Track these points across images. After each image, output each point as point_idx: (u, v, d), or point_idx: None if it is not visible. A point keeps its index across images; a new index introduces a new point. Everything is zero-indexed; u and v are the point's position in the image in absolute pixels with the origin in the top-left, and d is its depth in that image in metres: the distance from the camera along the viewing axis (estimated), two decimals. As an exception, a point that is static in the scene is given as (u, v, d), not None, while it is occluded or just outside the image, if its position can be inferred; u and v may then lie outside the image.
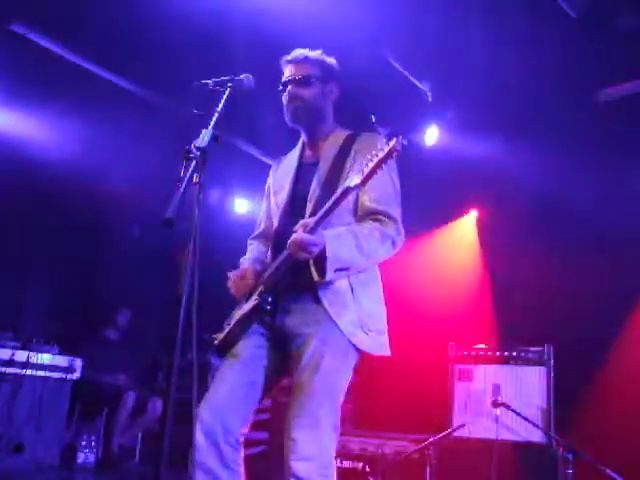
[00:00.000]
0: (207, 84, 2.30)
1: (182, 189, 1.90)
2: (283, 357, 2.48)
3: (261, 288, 2.48)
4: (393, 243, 2.45)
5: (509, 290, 5.72)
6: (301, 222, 2.31)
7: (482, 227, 6.55)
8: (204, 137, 2.03)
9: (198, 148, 1.99)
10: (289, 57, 2.65)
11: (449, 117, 5.89)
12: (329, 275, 2.30)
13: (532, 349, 4.62)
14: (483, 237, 6.45)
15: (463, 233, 6.64)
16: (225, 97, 2.25)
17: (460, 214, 6.68)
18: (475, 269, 6.32)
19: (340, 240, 2.32)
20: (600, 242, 5.22)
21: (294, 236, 2.27)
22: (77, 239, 6.38)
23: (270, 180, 2.80)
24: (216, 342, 2.53)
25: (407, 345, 6.20)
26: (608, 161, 5.31)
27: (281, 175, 2.73)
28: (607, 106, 5.21)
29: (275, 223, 2.63)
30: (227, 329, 2.53)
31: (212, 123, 2.11)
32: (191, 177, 1.94)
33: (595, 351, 5.07)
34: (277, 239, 2.57)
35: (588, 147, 5.29)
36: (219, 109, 2.18)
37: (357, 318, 2.41)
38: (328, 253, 2.27)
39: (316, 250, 2.27)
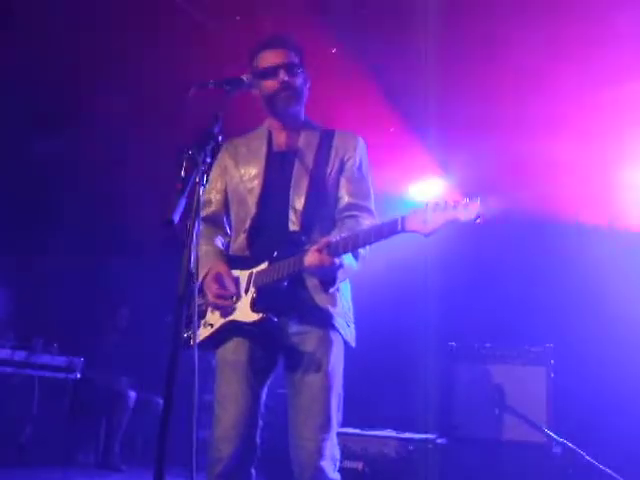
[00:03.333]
0: (207, 84, 2.31)
1: (182, 189, 1.90)
2: (271, 357, 2.48)
3: (253, 292, 2.39)
4: None
5: (509, 289, 5.72)
6: (324, 240, 2.23)
7: (482, 225, 6.53)
8: (204, 137, 2.03)
9: (198, 148, 1.99)
10: (269, 42, 2.60)
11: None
12: (333, 289, 2.35)
13: (532, 349, 4.62)
14: (484, 235, 6.44)
15: (464, 231, 6.63)
16: (225, 97, 2.25)
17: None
18: (476, 268, 6.31)
19: (348, 256, 2.33)
20: (601, 240, 5.22)
21: (319, 259, 2.21)
22: (77, 238, 6.39)
23: (227, 159, 2.65)
24: (195, 342, 2.30)
25: (407, 345, 6.21)
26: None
27: (245, 157, 2.62)
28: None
29: (252, 210, 2.52)
30: (209, 331, 2.46)
31: (212, 123, 2.11)
32: (191, 177, 1.94)
33: (595, 351, 5.07)
34: (257, 229, 2.50)
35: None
36: (220, 110, 2.18)
37: (343, 312, 2.47)
38: (339, 274, 2.30)
39: (336, 274, 2.29)
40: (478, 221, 2.03)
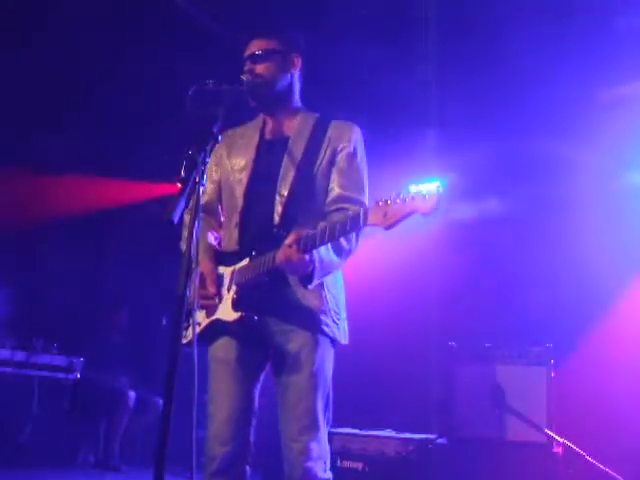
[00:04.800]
0: (207, 84, 2.30)
1: (183, 189, 1.90)
2: (261, 354, 2.47)
3: (234, 290, 2.37)
4: (361, 229, 2.41)
5: (509, 289, 5.72)
6: (294, 234, 2.18)
7: (482, 226, 6.54)
8: (205, 137, 2.03)
9: (199, 148, 1.99)
10: (252, 33, 2.56)
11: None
12: (312, 286, 2.30)
13: (532, 349, 4.61)
14: (483, 236, 6.45)
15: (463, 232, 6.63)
16: (226, 97, 2.25)
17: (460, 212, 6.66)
18: (476, 268, 6.31)
19: (327, 251, 2.28)
20: (602, 240, 5.22)
21: (288, 254, 2.16)
22: (77, 238, 6.39)
23: (222, 149, 2.61)
24: (185, 341, 2.37)
25: (407, 345, 6.21)
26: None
27: (237, 148, 2.60)
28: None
29: (239, 202, 2.49)
30: (197, 329, 2.44)
31: (213, 123, 2.11)
32: (192, 177, 1.94)
33: (595, 351, 5.07)
34: (245, 223, 2.47)
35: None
36: (220, 110, 2.18)
37: (329, 309, 2.42)
38: (316, 267, 2.24)
39: (308, 270, 2.24)
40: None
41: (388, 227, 2.02)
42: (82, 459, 5.66)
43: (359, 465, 4.30)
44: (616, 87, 5.24)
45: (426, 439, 4.34)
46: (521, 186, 5.74)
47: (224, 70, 2.48)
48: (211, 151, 2.04)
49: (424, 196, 1.96)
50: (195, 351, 1.99)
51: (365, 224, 2.06)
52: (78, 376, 5.53)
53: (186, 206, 1.95)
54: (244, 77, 2.43)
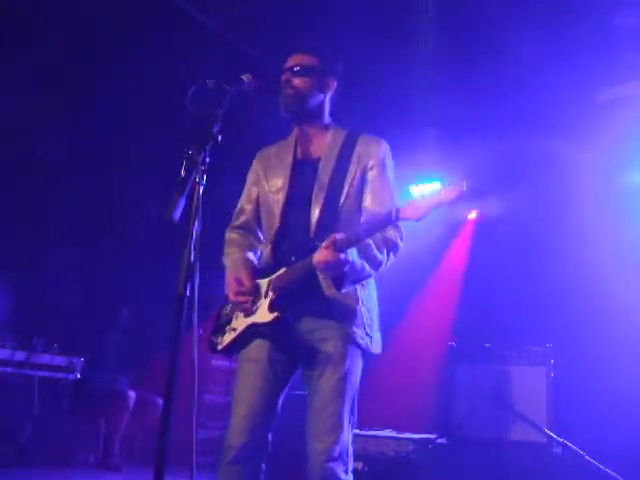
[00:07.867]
0: (208, 84, 2.31)
1: (183, 189, 1.91)
2: (291, 360, 2.53)
3: (271, 295, 2.45)
4: (396, 247, 2.52)
5: (509, 289, 5.72)
6: (331, 238, 2.26)
7: (482, 226, 6.55)
8: (205, 137, 2.03)
9: (198, 148, 1.99)
10: (293, 47, 2.65)
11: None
12: (344, 289, 2.36)
13: (532, 349, 4.62)
14: (484, 236, 6.45)
15: (464, 232, 6.64)
16: (226, 97, 2.26)
17: (461, 212, 6.67)
18: (475, 268, 6.31)
19: (359, 256, 2.36)
20: (601, 239, 5.22)
21: (325, 255, 2.25)
22: (77, 237, 6.38)
23: (259, 168, 2.72)
24: (220, 347, 2.55)
25: (407, 345, 6.22)
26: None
27: (273, 168, 2.67)
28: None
29: (276, 222, 2.58)
30: (233, 335, 2.54)
31: (213, 123, 2.11)
32: (192, 177, 1.94)
33: (595, 351, 5.07)
34: (280, 239, 2.57)
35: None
36: (220, 109, 2.18)
37: (362, 321, 2.49)
38: (348, 269, 2.31)
39: (343, 270, 2.30)
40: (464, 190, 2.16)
41: (418, 219, 2.21)
42: (82, 459, 5.66)
43: (359, 465, 4.30)
44: (615, 87, 5.25)
45: (426, 439, 4.35)
46: (521, 185, 5.74)
47: (224, 70, 2.48)
48: (211, 151, 2.05)
49: (448, 186, 2.18)
50: (195, 351, 1.99)
51: (397, 219, 2.25)
52: (78, 376, 5.52)
53: (186, 206, 1.96)
54: (244, 77, 2.44)
